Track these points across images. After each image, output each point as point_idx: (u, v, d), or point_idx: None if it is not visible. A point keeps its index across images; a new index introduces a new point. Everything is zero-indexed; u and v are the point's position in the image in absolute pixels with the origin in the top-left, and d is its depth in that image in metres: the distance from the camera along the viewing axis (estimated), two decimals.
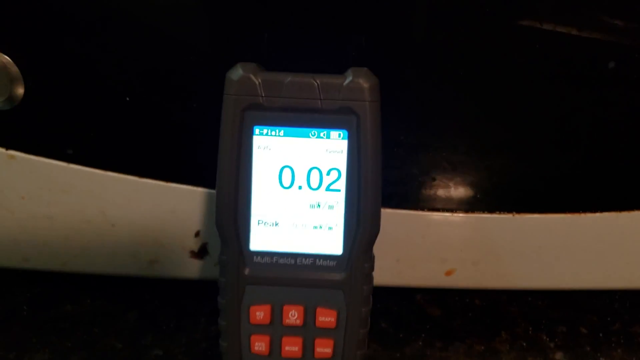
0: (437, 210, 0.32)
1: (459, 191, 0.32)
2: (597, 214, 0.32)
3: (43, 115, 0.30)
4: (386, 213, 0.29)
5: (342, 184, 0.26)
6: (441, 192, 0.32)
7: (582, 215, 0.32)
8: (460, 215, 0.32)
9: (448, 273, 0.34)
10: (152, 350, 0.33)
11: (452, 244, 0.33)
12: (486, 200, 0.32)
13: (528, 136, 0.31)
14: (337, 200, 0.26)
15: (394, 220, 0.32)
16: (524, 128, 0.31)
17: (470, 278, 0.34)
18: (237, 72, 0.25)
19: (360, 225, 0.26)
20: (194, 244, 0.33)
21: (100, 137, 0.31)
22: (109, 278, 0.37)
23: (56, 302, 0.36)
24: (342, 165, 0.25)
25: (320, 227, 0.26)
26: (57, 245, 0.34)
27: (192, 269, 0.34)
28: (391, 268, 0.34)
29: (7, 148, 0.31)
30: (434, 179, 0.31)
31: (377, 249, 0.27)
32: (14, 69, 0.28)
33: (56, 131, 0.30)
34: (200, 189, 0.32)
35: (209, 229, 0.33)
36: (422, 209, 0.32)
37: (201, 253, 0.34)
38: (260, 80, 0.25)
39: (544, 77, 0.29)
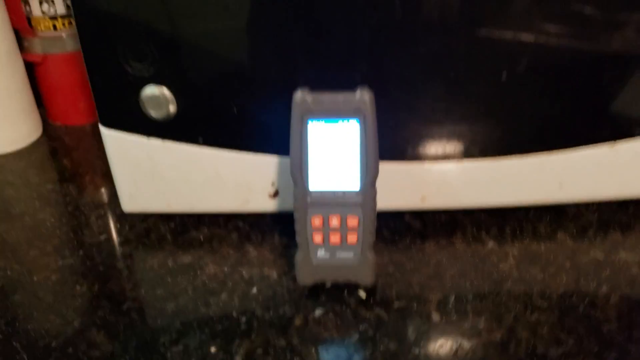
0: (415, 160, 0.54)
1: (423, 147, 0.54)
2: (503, 159, 0.54)
3: (185, 120, 0.52)
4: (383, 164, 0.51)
5: (357, 149, 0.48)
6: (414, 150, 0.54)
7: (493, 159, 0.54)
8: (425, 164, 0.54)
9: (422, 199, 0.57)
10: (251, 253, 0.56)
11: (425, 180, 0.55)
12: (433, 151, 0.54)
13: (427, 109, 0.53)
14: (355, 158, 0.48)
15: (388, 169, 0.54)
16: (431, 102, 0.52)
17: (436, 201, 0.57)
18: (298, 95, 0.47)
19: (368, 171, 0.48)
20: (271, 189, 0.56)
21: (218, 131, 0.53)
22: (216, 215, 0.60)
23: (186, 231, 0.59)
24: (357, 139, 0.48)
25: (346, 174, 0.48)
26: (190, 194, 0.57)
27: (270, 205, 0.57)
28: (386, 196, 0.56)
29: (163, 139, 0.53)
30: (410, 142, 0.53)
31: (378, 186, 0.49)
32: (170, 95, 0.51)
33: (192, 128, 0.53)
34: (274, 158, 0.54)
35: (279, 180, 0.55)
36: (404, 160, 0.54)
37: (275, 194, 0.56)
38: (310, 99, 0.47)
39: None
